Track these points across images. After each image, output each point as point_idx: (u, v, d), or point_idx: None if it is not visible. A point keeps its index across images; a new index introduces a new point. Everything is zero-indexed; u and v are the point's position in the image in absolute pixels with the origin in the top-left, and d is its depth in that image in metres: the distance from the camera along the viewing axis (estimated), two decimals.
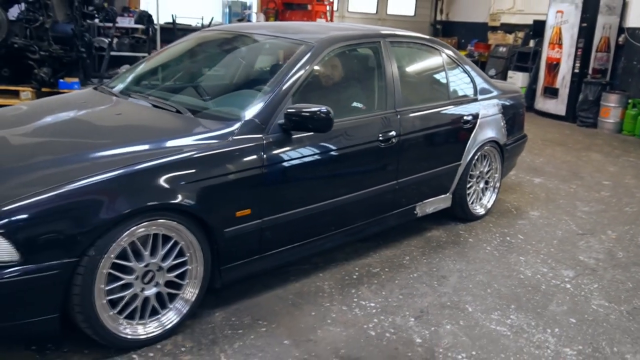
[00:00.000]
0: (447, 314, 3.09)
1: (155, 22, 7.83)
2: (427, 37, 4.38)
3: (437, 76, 4.29)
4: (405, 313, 3.07)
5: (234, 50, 3.74)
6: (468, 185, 4.41)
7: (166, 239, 2.63)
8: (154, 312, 2.67)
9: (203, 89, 3.52)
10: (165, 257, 2.64)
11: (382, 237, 4.00)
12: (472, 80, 4.47)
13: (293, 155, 3.03)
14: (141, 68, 3.92)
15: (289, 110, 2.94)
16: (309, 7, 9.68)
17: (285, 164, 2.99)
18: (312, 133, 3.04)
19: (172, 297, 2.72)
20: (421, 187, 3.99)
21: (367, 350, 2.71)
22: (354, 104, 3.67)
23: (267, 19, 9.26)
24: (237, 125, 2.89)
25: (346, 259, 3.66)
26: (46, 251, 2.28)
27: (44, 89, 5.84)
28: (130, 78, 3.81)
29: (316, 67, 3.32)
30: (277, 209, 2.99)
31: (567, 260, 3.91)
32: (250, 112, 2.97)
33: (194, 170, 2.66)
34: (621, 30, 9.16)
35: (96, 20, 6.79)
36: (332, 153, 3.23)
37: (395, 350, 2.73)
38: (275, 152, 2.94)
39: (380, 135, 3.51)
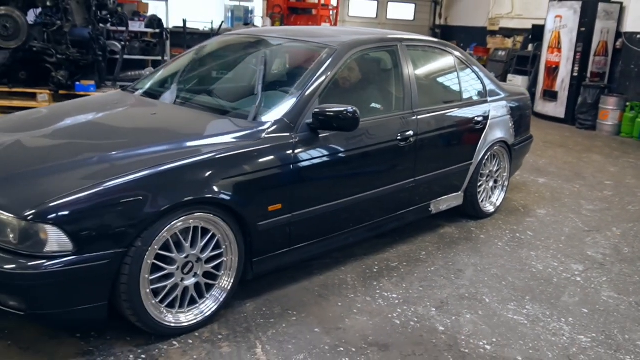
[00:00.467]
0: (466, 305, 3.25)
1: (165, 26, 7.98)
2: (440, 40, 4.55)
3: (449, 78, 4.45)
4: (427, 304, 3.23)
5: (258, 53, 3.88)
6: (479, 184, 4.57)
7: (204, 232, 2.77)
8: (192, 302, 2.82)
9: (231, 90, 3.67)
10: (203, 249, 2.78)
11: (397, 233, 4.15)
12: (482, 82, 4.64)
13: (320, 153, 3.18)
14: (166, 70, 4.08)
15: (317, 110, 3.10)
16: (314, 11, 9.84)
17: (312, 161, 3.14)
18: (336, 132, 3.20)
19: (209, 287, 2.87)
20: (435, 185, 4.15)
21: (394, 338, 2.86)
22: (374, 104, 3.83)
23: (272, 24, 9.42)
24: (268, 125, 3.05)
25: (365, 254, 3.82)
26: (98, 242, 2.42)
27: (61, 92, 5.96)
28: (156, 80, 3.96)
29: (339, 70, 3.47)
30: (305, 204, 3.14)
31: (575, 255, 4.08)
32: (280, 112, 3.13)
33: (229, 167, 2.81)
34: (619, 34, 9.37)
35: (108, 25, 6.93)
36: (355, 151, 3.38)
37: (420, 337, 2.89)
38: (303, 150, 3.09)
39: (399, 134, 3.66)
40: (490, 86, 4.70)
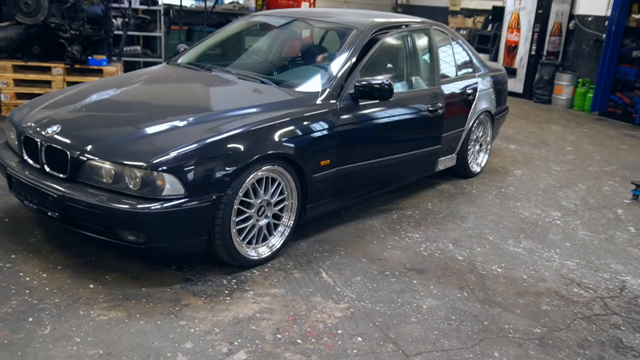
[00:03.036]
0: (474, 241, 3.99)
1: (159, 3, 8.35)
2: (440, 23, 5.22)
3: (449, 56, 5.14)
4: (444, 241, 3.95)
5: (294, 31, 4.46)
6: (468, 147, 5.32)
7: (272, 181, 3.38)
8: (264, 239, 3.43)
9: (281, 63, 4.24)
10: (272, 195, 3.39)
11: (403, 189, 4.84)
12: (471, 59, 5.36)
13: (360, 118, 3.82)
14: (206, 46, 4.60)
15: (358, 83, 3.72)
16: None
17: (353, 125, 3.77)
18: (375, 101, 3.84)
19: (275, 227, 3.49)
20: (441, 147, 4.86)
21: (425, 265, 3.57)
22: (402, 79, 4.48)
23: (256, 2, 9.89)
24: (318, 94, 3.66)
25: (382, 205, 4.50)
26: (203, 187, 2.99)
27: (76, 66, 6.33)
28: (199, 55, 4.48)
29: (367, 47, 4.09)
30: (347, 161, 3.78)
31: (552, 205, 4.89)
32: (327, 83, 3.74)
33: (292, 128, 3.41)
34: (572, 16, 10.30)
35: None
36: (388, 119, 4.05)
37: (445, 264, 3.61)
38: (346, 115, 3.72)
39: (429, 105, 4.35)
40: (476, 63, 5.43)
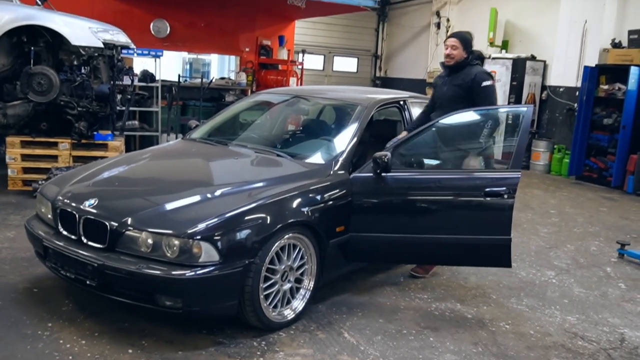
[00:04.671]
0: (480, 300, 4.23)
1: (156, 80, 8.76)
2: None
3: None
4: (451, 300, 4.19)
5: (300, 108, 4.82)
6: None
7: (294, 247, 3.61)
8: (287, 302, 3.63)
9: (288, 138, 4.57)
10: (294, 260, 3.62)
11: None
12: None
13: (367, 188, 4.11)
14: (216, 122, 4.92)
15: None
16: (280, 67, 10.89)
17: (363, 195, 4.06)
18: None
19: (297, 290, 3.69)
20: None
21: (438, 323, 3.79)
22: None
23: (247, 77, 10.38)
24: (332, 165, 3.96)
25: (388, 268, 4.74)
26: (236, 254, 3.22)
27: (83, 141, 6.59)
28: (211, 130, 4.79)
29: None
30: (359, 228, 4.02)
31: (546, 264, 5.19)
32: (339, 155, 4.05)
33: (313, 196, 3.69)
34: (544, 87, 11.00)
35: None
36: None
37: (457, 322, 3.83)
38: (355, 184, 4.01)
39: None
40: None
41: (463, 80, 4.42)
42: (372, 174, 3.92)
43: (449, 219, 3.99)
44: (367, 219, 3.97)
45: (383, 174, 3.87)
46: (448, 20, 13.75)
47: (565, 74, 10.42)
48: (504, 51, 11.69)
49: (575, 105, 9.95)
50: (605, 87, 9.39)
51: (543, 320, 3.96)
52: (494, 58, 11.32)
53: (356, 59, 16.67)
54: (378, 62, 16.80)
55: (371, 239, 3.98)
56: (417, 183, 3.99)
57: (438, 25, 14.02)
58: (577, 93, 9.97)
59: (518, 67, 10.84)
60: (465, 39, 4.50)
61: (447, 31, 13.73)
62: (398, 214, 3.99)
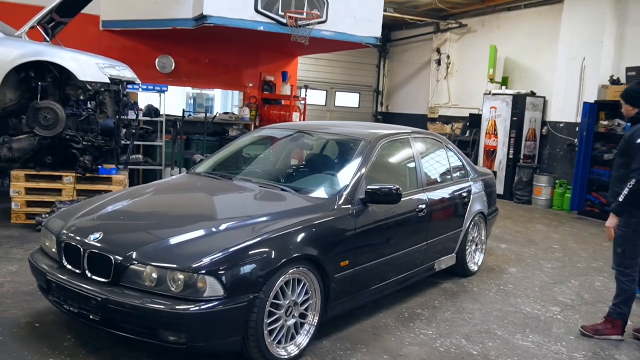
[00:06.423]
0: (485, 337, 4.19)
1: (161, 115, 8.86)
2: (434, 133, 5.70)
3: (443, 161, 5.57)
4: (456, 337, 4.15)
5: (304, 143, 4.86)
6: (466, 248, 5.62)
7: (298, 282, 3.60)
8: (292, 338, 3.59)
9: (292, 172, 4.59)
10: (298, 295, 3.60)
11: (408, 290, 5.06)
12: (463, 165, 5.80)
13: (371, 220, 4.12)
14: (221, 157, 4.95)
15: (370, 188, 4.05)
16: (283, 102, 11.01)
17: (366, 227, 4.06)
18: (380, 205, 4.14)
19: (302, 325, 3.66)
20: (439, 248, 5.16)
21: None
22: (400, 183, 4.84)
23: (250, 112, 10.48)
24: (336, 200, 3.98)
25: (392, 304, 4.71)
26: (240, 289, 3.21)
27: (87, 175, 6.62)
28: (216, 165, 4.83)
29: (374, 156, 4.48)
30: (362, 261, 4.03)
31: (550, 300, 5.15)
32: (343, 190, 4.07)
33: (316, 231, 3.69)
34: (544, 123, 11.09)
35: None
36: (393, 219, 4.35)
37: (462, 359, 3.79)
38: (359, 219, 4.02)
39: (417, 207, 4.68)
40: (468, 167, 5.88)
41: None
42: (362, 206, 4.05)
43: None
44: (364, 250, 4.04)
45: None
46: (448, 57, 13.95)
47: (565, 109, 10.52)
48: (504, 87, 11.83)
49: (576, 140, 10.01)
50: (605, 123, 9.47)
51: (550, 358, 3.91)
52: (494, 94, 11.46)
53: (358, 95, 16.85)
54: (380, 98, 16.99)
55: (368, 269, 4.07)
56: None
57: (439, 62, 14.21)
58: (577, 128, 10.05)
59: (518, 103, 10.95)
60: None
61: (448, 67, 13.95)
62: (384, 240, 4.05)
